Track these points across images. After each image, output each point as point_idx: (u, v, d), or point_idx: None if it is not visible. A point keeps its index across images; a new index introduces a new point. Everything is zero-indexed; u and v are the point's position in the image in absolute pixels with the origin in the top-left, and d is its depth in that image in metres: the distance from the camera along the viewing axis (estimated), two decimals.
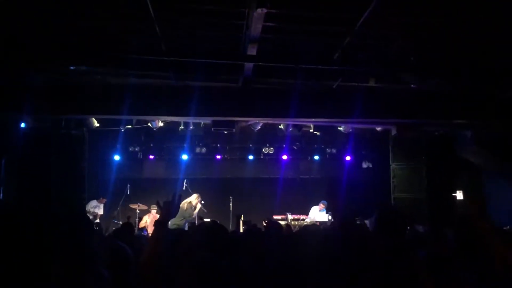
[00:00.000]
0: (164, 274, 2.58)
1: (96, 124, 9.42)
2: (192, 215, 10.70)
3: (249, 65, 7.36)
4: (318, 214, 11.32)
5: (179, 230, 5.41)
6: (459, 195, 11.13)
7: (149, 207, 11.21)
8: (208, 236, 3.03)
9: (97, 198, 11.12)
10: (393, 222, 2.76)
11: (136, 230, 9.96)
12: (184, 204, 10.26)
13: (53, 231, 1.29)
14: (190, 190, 11.52)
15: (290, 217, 11.09)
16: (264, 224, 7.46)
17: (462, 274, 2.35)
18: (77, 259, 2.32)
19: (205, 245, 2.92)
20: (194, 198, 10.76)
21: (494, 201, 10.55)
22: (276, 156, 12.37)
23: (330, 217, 10.80)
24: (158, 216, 11.04)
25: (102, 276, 2.68)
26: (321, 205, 11.41)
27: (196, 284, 2.12)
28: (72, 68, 7.18)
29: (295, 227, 10.48)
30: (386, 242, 2.23)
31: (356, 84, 8.25)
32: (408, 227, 6.43)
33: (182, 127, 10.51)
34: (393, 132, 9.62)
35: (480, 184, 11.03)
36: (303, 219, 11.17)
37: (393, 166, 10.49)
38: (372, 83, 8.31)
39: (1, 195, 8.72)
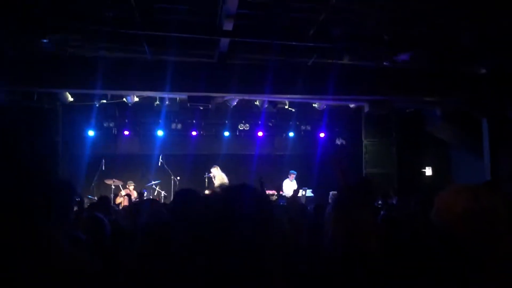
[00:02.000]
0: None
1: (70, 98, 9.31)
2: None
3: (225, 41, 7.38)
4: (290, 185, 11.55)
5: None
6: (428, 170, 11.57)
7: (125, 183, 11.21)
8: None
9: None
10: (364, 188, 2.94)
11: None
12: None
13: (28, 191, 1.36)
14: (165, 166, 11.55)
15: (267, 192, 11.27)
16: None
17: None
18: (49, 220, 2.40)
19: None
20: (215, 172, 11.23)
21: (461, 174, 11.02)
22: (251, 133, 12.47)
23: (304, 192, 11.03)
24: (135, 192, 11.06)
25: (78, 239, 2.77)
26: (291, 176, 11.63)
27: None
28: (44, 40, 7.03)
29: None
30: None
31: (331, 61, 8.39)
32: (381, 200, 6.74)
33: (157, 102, 10.49)
34: (366, 109, 9.86)
35: (448, 159, 11.48)
36: (279, 195, 11.38)
37: (365, 142, 10.79)
38: (346, 61, 8.47)
39: None
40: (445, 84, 8.59)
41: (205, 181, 11.74)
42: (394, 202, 7.41)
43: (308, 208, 7.11)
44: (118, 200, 10.83)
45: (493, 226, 1.34)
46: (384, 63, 8.34)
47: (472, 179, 10.22)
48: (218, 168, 11.52)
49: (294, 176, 11.65)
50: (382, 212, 2.77)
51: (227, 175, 12.05)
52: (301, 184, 11.56)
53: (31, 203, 1.35)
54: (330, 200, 6.56)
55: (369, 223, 2.38)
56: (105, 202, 6.13)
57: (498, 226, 1.34)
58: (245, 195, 1.18)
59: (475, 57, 7.71)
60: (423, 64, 8.29)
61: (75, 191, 2.24)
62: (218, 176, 11.39)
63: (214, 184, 11.31)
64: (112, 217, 4.99)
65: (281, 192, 11.45)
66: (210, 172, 11.51)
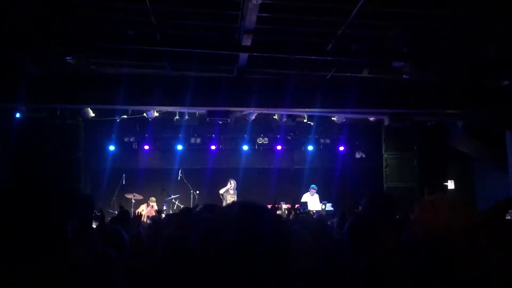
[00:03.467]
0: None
1: (92, 114, 9.48)
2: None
3: (243, 55, 7.44)
4: (310, 199, 11.46)
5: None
6: (450, 184, 11.35)
7: (145, 197, 11.31)
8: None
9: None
10: (383, 204, 2.90)
11: None
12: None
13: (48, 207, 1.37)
14: (185, 180, 11.61)
15: (284, 206, 11.21)
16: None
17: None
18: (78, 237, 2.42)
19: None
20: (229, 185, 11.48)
21: (483, 189, 10.77)
22: (270, 147, 12.47)
23: (324, 206, 10.93)
24: (156, 207, 11.18)
25: (108, 255, 2.78)
26: (312, 190, 11.56)
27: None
28: (68, 58, 7.20)
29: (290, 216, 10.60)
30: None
31: (350, 74, 8.36)
32: (400, 215, 6.62)
33: (177, 117, 10.60)
34: (386, 122, 9.76)
35: (471, 173, 11.24)
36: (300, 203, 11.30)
37: (385, 155, 10.64)
38: (365, 74, 8.43)
39: None
40: (467, 97, 8.45)
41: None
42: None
43: (329, 222, 7.05)
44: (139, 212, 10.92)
45: (471, 238, 1.32)
46: (404, 76, 8.26)
47: (496, 193, 9.98)
48: (235, 182, 11.60)
49: (315, 191, 11.56)
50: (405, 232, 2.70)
51: (246, 189, 12.07)
52: (320, 198, 11.47)
53: (51, 219, 1.37)
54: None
55: (390, 246, 2.34)
56: (125, 216, 6.18)
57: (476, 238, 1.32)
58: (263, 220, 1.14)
59: (498, 70, 7.58)
60: (444, 76, 8.19)
61: (94, 206, 2.25)
62: (233, 191, 11.49)
63: (229, 195, 11.37)
64: (132, 231, 5.02)
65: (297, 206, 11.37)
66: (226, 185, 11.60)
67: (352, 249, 2.26)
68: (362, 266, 1.93)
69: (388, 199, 3.17)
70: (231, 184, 11.55)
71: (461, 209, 1.36)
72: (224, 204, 11.46)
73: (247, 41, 6.76)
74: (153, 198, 11.27)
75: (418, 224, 1.39)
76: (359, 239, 2.27)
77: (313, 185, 11.60)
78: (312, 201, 11.42)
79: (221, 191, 11.63)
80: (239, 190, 11.86)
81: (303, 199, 11.57)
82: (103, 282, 1.98)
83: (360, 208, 3.36)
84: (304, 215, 8.71)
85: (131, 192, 11.30)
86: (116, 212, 10.28)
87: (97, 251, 2.36)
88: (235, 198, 11.52)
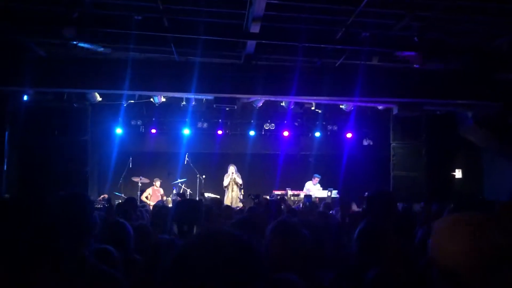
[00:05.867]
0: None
1: (99, 98, 9.46)
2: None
3: (251, 43, 7.33)
4: (313, 188, 11.47)
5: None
6: (458, 173, 11.25)
7: (151, 180, 11.37)
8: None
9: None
10: (380, 204, 2.88)
11: (138, 203, 10.11)
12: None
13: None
14: (191, 165, 11.63)
15: (290, 192, 11.23)
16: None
17: None
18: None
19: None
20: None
21: (492, 179, 10.68)
22: (277, 132, 12.41)
23: (329, 193, 10.92)
24: (161, 189, 11.30)
25: (135, 261, 2.79)
26: (315, 179, 11.55)
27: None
28: (75, 42, 7.15)
29: (295, 202, 10.65)
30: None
31: (359, 62, 8.22)
32: (405, 205, 6.58)
33: (184, 103, 10.56)
34: (395, 111, 9.64)
35: (479, 163, 11.13)
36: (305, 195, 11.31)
37: (393, 144, 10.57)
38: (375, 62, 8.29)
39: (5, 166, 8.85)
40: (478, 88, 8.29)
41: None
42: (420, 208, 7.22)
43: (333, 211, 7.04)
44: (144, 196, 11.04)
45: (495, 268, 1.15)
46: (414, 65, 8.13)
47: (505, 183, 9.88)
48: (235, 166, 11.55)
49: (318, 180, 11.55)
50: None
51: (251, 174, 12.08)
52: (326, 185, 11.45)
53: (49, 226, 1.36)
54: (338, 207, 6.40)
55: (393, 247, 2.30)
56: (132, 205, 6.20)
57: (502, 269, 1.15)
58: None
59: (510, 61, 7.41)
60: (455, 67, 8.04)
61: (92, 206, 2.24)
62: (236, 174, 11.46)
63: (231, 180, 11.36)
64: (138, 221, 5.04)
65: (306, 192, 11.37)
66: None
67: (359, 259, 2.23)
68: (370, 278, 1.88)
69: (391, 200, 3.13)
70: (231, 169, 11.50)
71: (485, 233, 1.19)
72: (226, 195, 11.41)
73: (255, 28, 6.66)
74: (157, 179, 11.34)
75: (435, 251, 1.26)
76: (367, 248, 2.24)
77: (317, 174, 11.58)
78: (315, 189, 11.43)
79: (225, 182, 11.57)
80: (245, 175, 11.88)
81: (306, 187, 11.57)
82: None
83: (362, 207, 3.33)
84: (308, 204, 8.76)
85: (138, 175, 11.36)
86: (123, 195, 10.38)
87: (98, 250, 2.36)
88: (241, 182, 11.51)
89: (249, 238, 1.08)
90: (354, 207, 6.91)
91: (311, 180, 11.65)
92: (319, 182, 11.63)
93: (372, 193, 3.10)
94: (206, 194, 10.45)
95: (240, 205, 10.37)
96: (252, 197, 7.51)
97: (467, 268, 1.18)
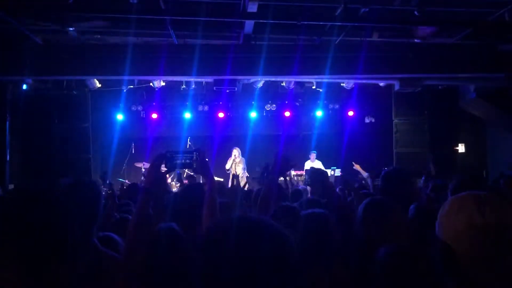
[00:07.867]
0: None
1: (98, 84, 9.41)
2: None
3: (249, 22, 7.24)
4: (313, 165, 11.43)
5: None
6: (461, 148, 11.24)
7: None
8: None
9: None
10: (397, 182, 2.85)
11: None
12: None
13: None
14: (193, 148, 11.61)
15: (293, 173, 11.23)
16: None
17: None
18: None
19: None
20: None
21: (495, 153, 10.67)
22: (278, 113, 12.35)
23: (332, 172, 10.91)
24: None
25: (111, 239, 2.78)
26: (312, 155, 11.50)
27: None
28: (71, 29, 7.07)
29: (298, 182, 10.66)
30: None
31: (359, 39, 8.13)
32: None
33: (184, 86, 10.49)
34: (396, 87, 9.56)
35: (483, 137, 11.10)
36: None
37: (395, 121, 10.53)
38: (375, 38, 8.20)
39: (8, 156, 8.87)
40: (481, 60, 8.20)
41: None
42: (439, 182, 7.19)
43: (337, 189, 7.03)
44: None
45: (498, 244, 1.15)
46: (415, 40, 8.03)
47: (508, 157, 9.87)
48: (239, 150, 11.48)
49: (315, 155, 11.50)
50: (413, 205, 2.63)
51: (254, 155, 12.05)
52: (329, 164, 11.44)
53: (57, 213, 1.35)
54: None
55: (399, 222, 2.29)
56: (134, 190, 6.20)
57: (504, 244, 1.15)
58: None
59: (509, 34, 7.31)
60: (457, 39, 7.94)
61: (100, 193, 2.21)
62: (239, 159, 11.35)
63: (236, 165, 11.29)
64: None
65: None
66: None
67: (366, 233, 2.21)
68: (381, 257, 1.84)
69: (408, 177, 3.08)
70: (235, 153, 11.47)
71: (495, 208, 1.19)
72: (230, 180, 11.36)
73: (253, 8, 6.56)
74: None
75: (443, 227, 1.26)
76: (373, 222, 2.22)
77: (313, 151, 11.51)
78: (316, 166, 11.39)
79: (228, 165, 11.52)
80: (247, 157, 11.86)
81: (306, 167, 11.54)
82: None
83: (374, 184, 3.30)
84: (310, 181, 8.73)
85: (140, 161, 11.35)
86: (126, 181, 10.40)
87: (102, 238, 2.36)
88: (244, 165, 11.51)
89: (288, 232, 1.07)
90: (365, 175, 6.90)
91: (309, 159, 11.62)
92: (320, 160, 11.59)
93: (389, 170, 3.05)
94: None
95: (245, 180, 10.33)
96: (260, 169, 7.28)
97: (468, 246, 1.18)
